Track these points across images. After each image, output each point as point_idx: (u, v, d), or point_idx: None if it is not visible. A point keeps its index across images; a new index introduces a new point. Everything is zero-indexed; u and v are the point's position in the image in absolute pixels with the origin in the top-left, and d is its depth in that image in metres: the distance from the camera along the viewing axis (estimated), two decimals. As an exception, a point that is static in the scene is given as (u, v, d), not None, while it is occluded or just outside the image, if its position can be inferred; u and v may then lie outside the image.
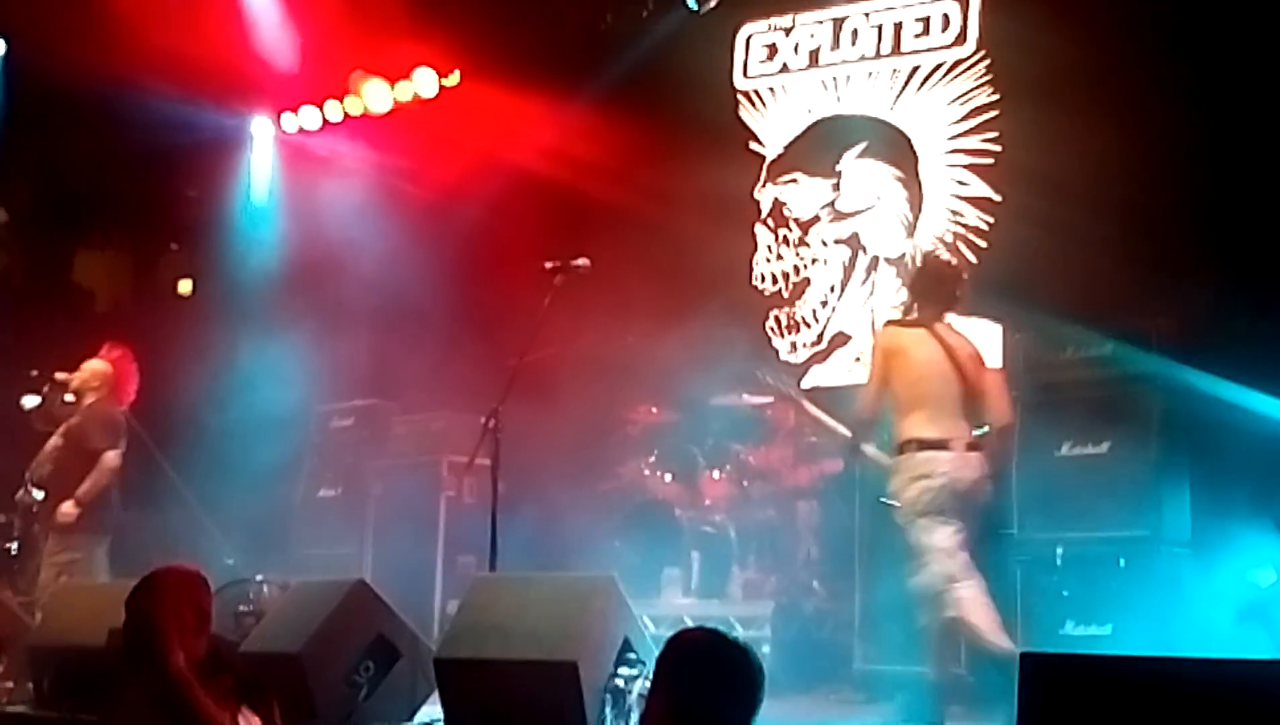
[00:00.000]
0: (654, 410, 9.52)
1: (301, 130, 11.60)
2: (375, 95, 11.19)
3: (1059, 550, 6.67)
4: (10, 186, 12.58)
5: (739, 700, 2.93)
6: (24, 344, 11.38)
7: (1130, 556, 6.49)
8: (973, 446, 5.93)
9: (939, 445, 5.86)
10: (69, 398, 8.60)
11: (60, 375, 8.67)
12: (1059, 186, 7.95)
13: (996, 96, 8.71)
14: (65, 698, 6.21)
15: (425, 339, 9.62)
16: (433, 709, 5.57)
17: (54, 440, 8.56)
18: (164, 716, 3.82)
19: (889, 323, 6.61)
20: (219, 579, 8.27)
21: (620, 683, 5.06)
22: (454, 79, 10.92)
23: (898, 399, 6.02)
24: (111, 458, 8.30)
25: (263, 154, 11.83)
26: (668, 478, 9.19)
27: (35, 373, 8.71)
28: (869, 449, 6.32)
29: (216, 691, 3.94)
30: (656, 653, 5.36)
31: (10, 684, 6.85)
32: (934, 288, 6.20)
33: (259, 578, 8.18)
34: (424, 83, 11.01)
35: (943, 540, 5.82)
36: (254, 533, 8.81)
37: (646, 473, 9.26)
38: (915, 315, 6.21)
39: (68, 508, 8.15)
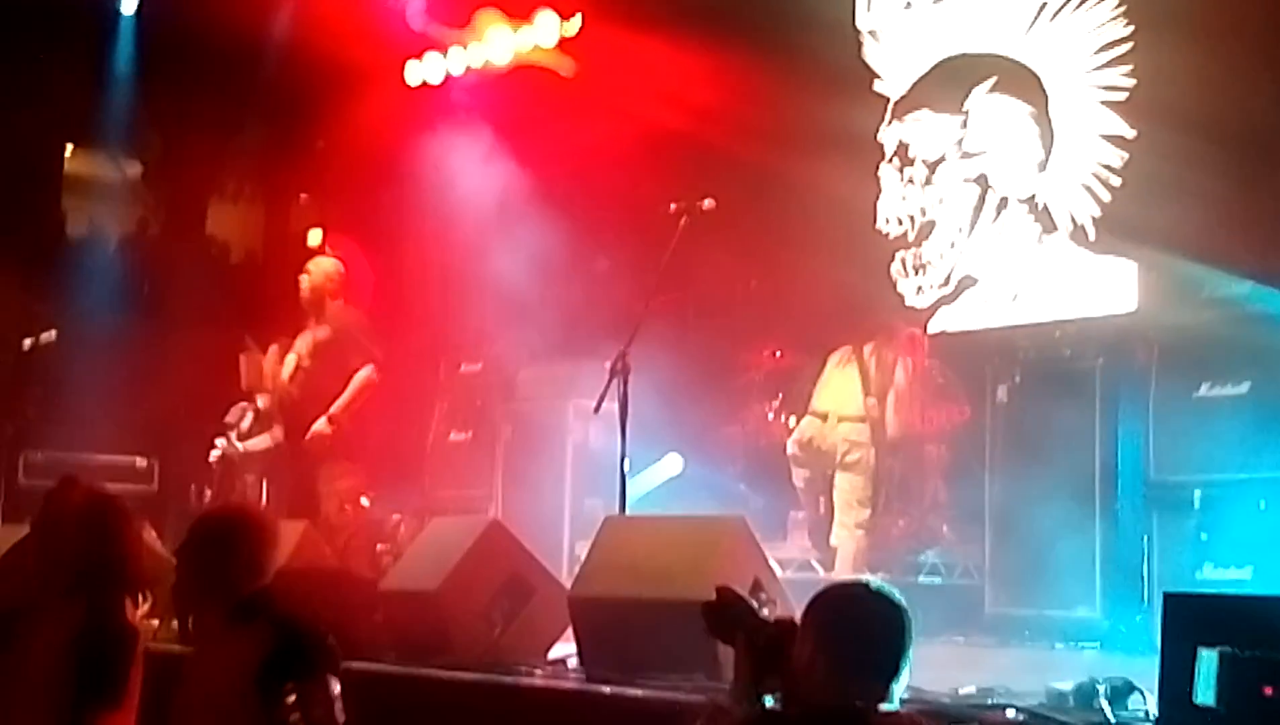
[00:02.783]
0: (778, 354, 9.50)
1: (425, 84, 11.69)
2: (497, 41, 11.23)
3: (1197, 493, 6.54)
4: (144, 139, 12.90)
5: (891, 649, 3.00)
6: (161, 295, 11.71)
7: (1271, 498, 6.35)
8: None
9: None
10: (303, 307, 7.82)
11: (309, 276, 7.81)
12: (1196, 122, 7.71)
13: (1131, 29, 8.45)
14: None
15: (551, 285, 9.68)
16: (567, 646, 5.65)
17: (293, 361, 7.88)
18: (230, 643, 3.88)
19: None
20: (355, 520, 8.51)
21: (752, 623, 5.08)
22: (575, 24, 10.91)
23: None
24: (369, 373, 7.72)
25: (389, 104, 11.94)
26: (792, 421, 9.16)
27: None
28: None
29: (233, 643, 3.83)
30: (786, 594, 5.40)
31: (156, 622, 7.06)
32: None
33: (395, 517, 8.32)
34: (545, 28, 11.02)
35: None
36: (388, 474, 8.96)
37: (770, 417, 9.25)
38: None
39: (320, 427, 7.65)
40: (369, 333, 7.96)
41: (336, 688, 3.75)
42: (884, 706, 2.98)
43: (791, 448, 8.57)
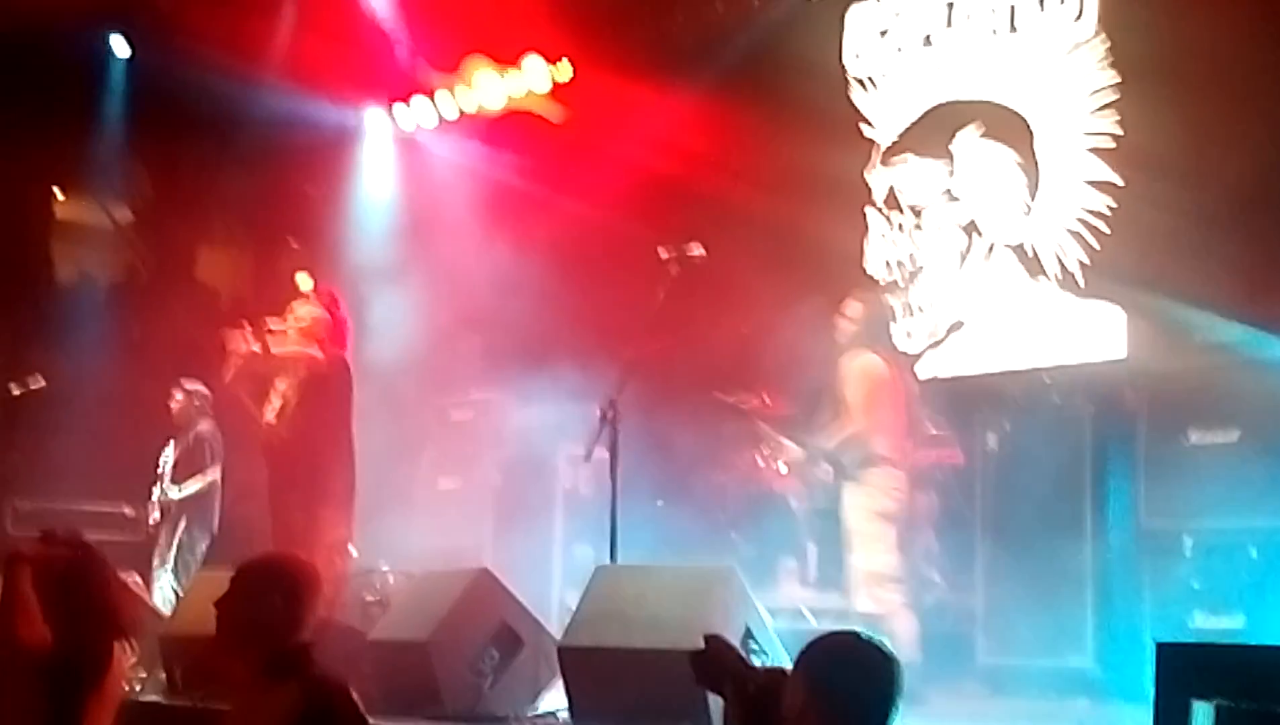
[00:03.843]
0: (767, 400, 9.48)
1: (418, 127, 11.74)
2: (487, 87, 11.27)
3: (1188, 540, 6.54)
4: (133, 185, 12.90)
5: (883, 700, 2.99)
6: (151, 341, 11.67)
7: (1263, 546, 6.34)
8: None
9: None
10: (284, 353, 7.86)
11: (274, 323, 7.95)
12: (1183, 170, 7.77)
13: (1118, 79, 8.51)
14: (197, 687, 6.33)
15: (540, 332, 9.68)
16: (557, 696, 5.61)
17: (278, 402, 7.87)
18: (261, 698, 3.83)
19: None
20: (343, 571, 8.46)
21: (743, 673, 5.04)
22: (564, 69, 10.96)
23: None
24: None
25: (379, 150, 11.98)
26: (783, 468, 9.14)
27: (242, 325, 7.94)
28: None
29: (265, 701, 3.79)
30: (777, 643, 5.38)
31: (143, 673, 7.01)
32: None
33: (384, 567, 8.29)
34: (535, 73, 11.06)
35: None
36: (375, 523, 8.93)
37: (761, 463, 9.23)
38: None
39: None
40: (348, 376, 7.94)
41: None
42: None
43: None
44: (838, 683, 2.99)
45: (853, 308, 7.32)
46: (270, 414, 7.93)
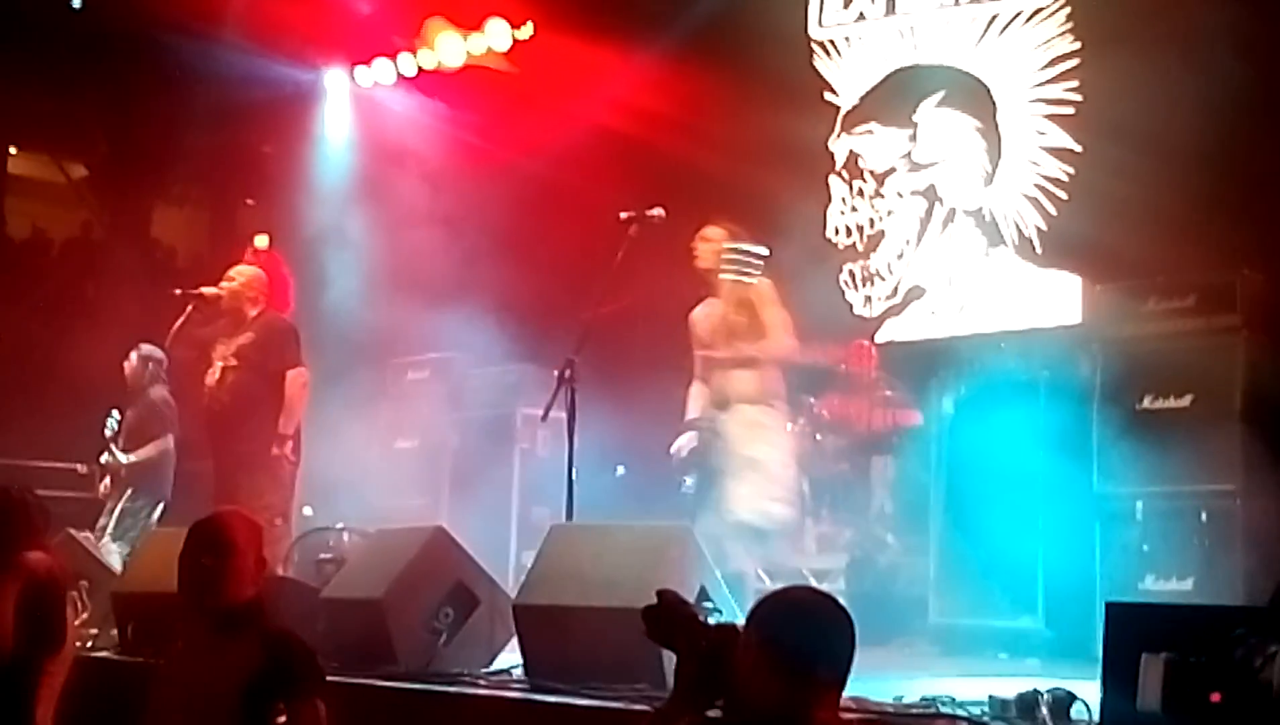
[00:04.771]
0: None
1: (376, 84, 11.65)
2: (448, 47, 11.20)
3: (1139, 504, 6.58)
4: (89, 142, 12.77)
5: (835, 652, 2.99)
6: (106, 299, 11.59)
7: (1212, 511, 6.40)
8: None
9: None
10: (222, 316, 7.85)
11: (208, 289, 7.92)
12: (1141, 137, 7.81)
13: (1078, 45, 8.56)
14: (148, 644, 6.30)
15: (498, 291, 9.65)
16: (511, 655, 5.62)
17: (219, 366, 7.81)
18: (218, 652, 3.83)
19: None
20: (298, 528, 8.45)
21: (697, 631, 5.06)
22: (527, 30, 10.90)
23: None
24: (299, 374, 7.68)
25: (337, 109, 11.89)
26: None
27: (179, 291, 7.95)
28: None
29: (221, 656, 3.81)
30: (731, 602, 5.40)
31: (95, 630, 6.98)
32: None
33: (339, 526, 8.27)
34: (497, 34, 11.00)
35: None
36: (331, 483, 8.90)
37: (719, 426, 9.24)
38: None
39: (279, 450, 7.61)
40: (294, 337, 7.90)
41: (324, 710, 3.71)
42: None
43: None
44: (789, 636, 2.97)
45: (713, 231, 7.25)
46: (211, 378, 7.90)
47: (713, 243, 7.05)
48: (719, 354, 7.02)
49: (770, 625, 3.01)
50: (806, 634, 2.99)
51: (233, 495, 7.32)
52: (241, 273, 8.03)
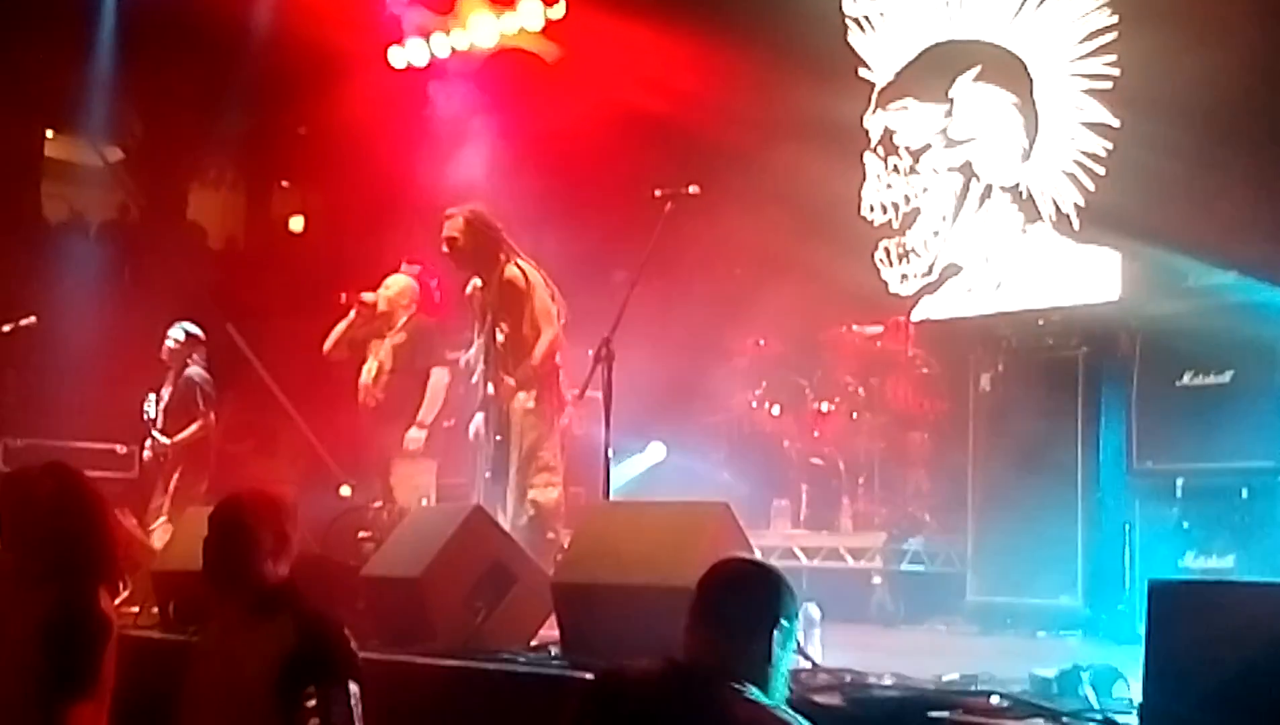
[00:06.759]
0: (761, 342, 9.48)
1: (410, 66, 11.65)
2: (482, 26, 11.19)
3: (1179, 482, 6.55)
4: (125, 125, 12.83)
5: (763, 613, 3.13)
6: (142, 280, 11.66)
7: (1253, 487, 6.36)
8: None
9: None
10: (378, 321, 8.52)
11: (368, 295, 8.57)
12: (1180, 111, 7.73)
13: (1115, 19, 8.46)
14: (190, 621, 6.35)
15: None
16: (549, 632, 5.63)
17: (374, 364, 8.50)
18: (252, 633, 3.83)
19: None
20: (336, 508, 8.49)
21: (735, 609, 5.06)
22: (559, 9, 10.88)
23: None
24: (442, 375, 8.35)
25: (372, 90, 11.88)
26: (775, 410, 9.16)
27: (344, 296, 8.60)
28: None
29: (256, 637, 3.78)
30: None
31: (136, 608, 7.03)
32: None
33: (377, 504, 8.32)
34: (530, 13, 10.98)
35: None
36: (369, 462, 8.94)
37: (754, 405, 9.25)
38: None
39: (415, 435, 8.32)
40: (439, 339, 8.57)
41: (356, 692, 3.70)
42: (754, 694, 3.01)
43: None
44: (719, 596, 3.16)
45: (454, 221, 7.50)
46: (367, 376, 8.53)
47: None
48: None
49: (705, 586, 3.22)
50: (734, 591, 3.18)
51: (386, 480, 8.37)
52: (395, 282, 8.65)
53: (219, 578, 3.94)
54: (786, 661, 3.15)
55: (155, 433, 9.44)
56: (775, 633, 3.10)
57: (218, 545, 3.92)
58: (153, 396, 9.56)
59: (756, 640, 3.09)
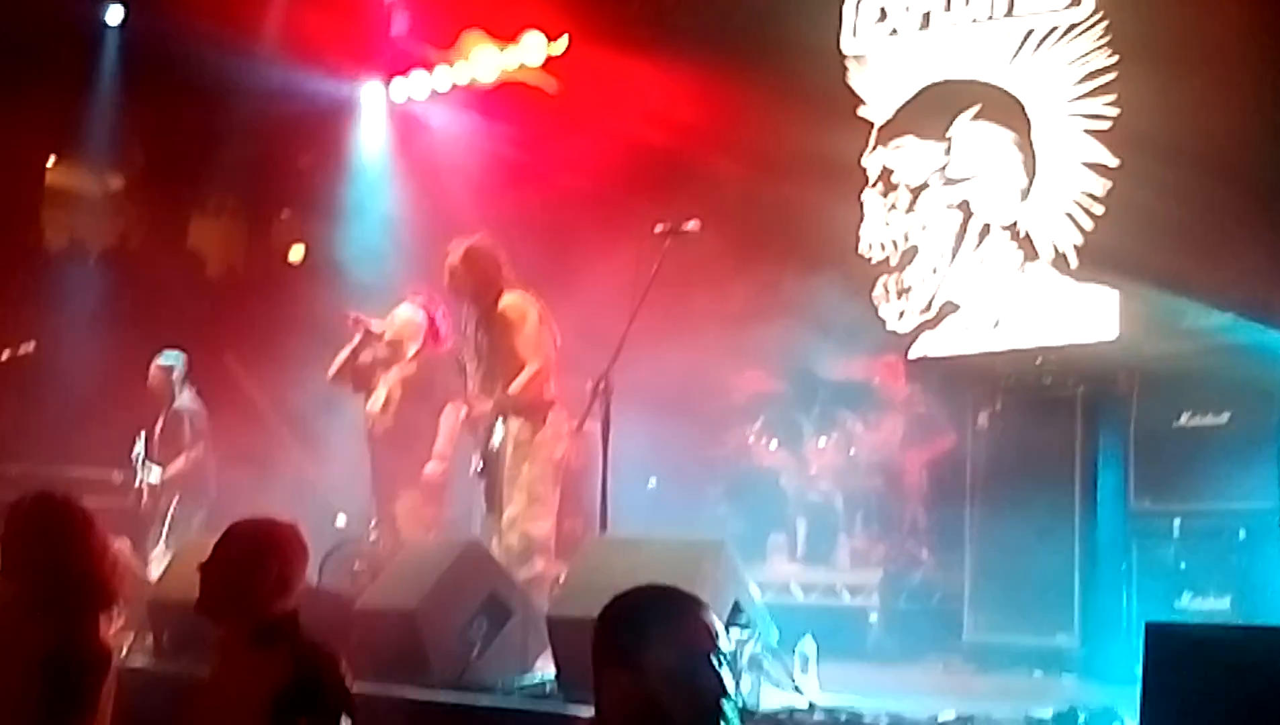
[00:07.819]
0: (759, 378, 9.50)
1: (411, 99, 11.69)
2: (483, 60, 11.24)
3: (1176, 522, 6.55)
4: (126, 153, 12.85)
5: (679, 639, 2.73)
6: (141, 309, 11.65)
7: (1250, 528, 6.36)
8: None
9: None
10: (384, 350, 8.49)
11: (376, 324, 8.55)
12: (1179, 152, 7.75)
13: (1115, 59, 8.49)
14: (184, 652, 6.33)
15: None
16: (544, 666, 5.61)
17: (383, 393, 8.44)
18: (251, 665, 3.81)
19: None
20: (331, 539, 8.48)
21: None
22: (561, 44, 10.93)
23: None
24: (457, 406, 8.20)
25: (373, 122, 11.94)
26: (773, 445, 9.17)
27: (352, 316, 8.59)
28: None
29: (253, 668, 3.75)
30: (766, 618, 5.38)
31: (131, 636, 7.01)
32: None
33: (373, 537, 8.32)
34: (531, 48, 11.03)
35: None
36: (365, 494, 8.93)
37: (752, 440, 9.25)
38: None
39: (434, 467, 8.25)
40: (455, 372, 8.39)
41: None
42: None
43: None
44: (628, 642, 2.77)
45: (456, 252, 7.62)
46: (374, 405, 8.47)
47: None
48: None
49: (607, 638, 2.85)
50: (645, 634, 2.75)
51: (392, 511, 8.27)
52: (401, 313, 8.59)
53: (217, 606, 3.91)
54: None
55: (139, 470, 9.46)
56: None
57: (220, 574, 3.89)
58: (143, 433, 9.60)
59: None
